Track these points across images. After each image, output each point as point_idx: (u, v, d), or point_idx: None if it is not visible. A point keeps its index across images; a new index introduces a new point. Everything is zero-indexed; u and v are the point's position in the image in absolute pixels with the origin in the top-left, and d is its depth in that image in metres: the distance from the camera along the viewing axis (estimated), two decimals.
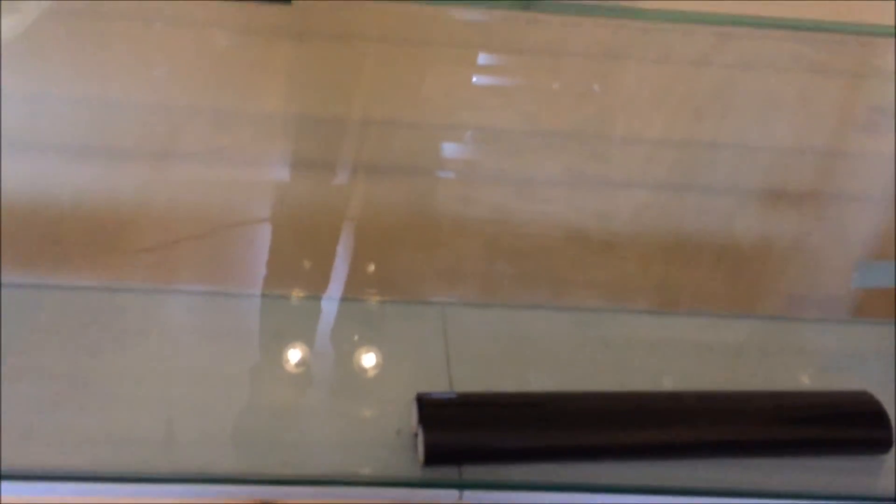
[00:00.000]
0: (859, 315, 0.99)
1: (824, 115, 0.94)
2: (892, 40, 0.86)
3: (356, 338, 0.81)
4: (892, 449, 0.69)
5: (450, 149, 0.96)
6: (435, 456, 0.63)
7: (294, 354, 0.79)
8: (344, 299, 0.90)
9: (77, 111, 0.88)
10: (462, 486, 0.63)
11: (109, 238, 0.93)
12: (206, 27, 0.86)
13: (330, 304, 0.88)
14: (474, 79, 0.93)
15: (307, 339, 0.82)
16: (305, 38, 0.87)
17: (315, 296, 0.92)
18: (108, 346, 0.77)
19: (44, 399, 0.70)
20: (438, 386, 0.72)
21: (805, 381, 0.78)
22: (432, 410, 0.64)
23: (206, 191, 0.93)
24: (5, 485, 0.63)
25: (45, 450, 0.65)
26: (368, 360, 0.78)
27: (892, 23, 0.76)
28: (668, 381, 0.80)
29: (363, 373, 0.77)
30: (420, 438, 0.63)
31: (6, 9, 0.84)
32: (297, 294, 0.91)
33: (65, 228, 0.91)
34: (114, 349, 0.77)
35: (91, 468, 0.64)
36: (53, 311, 0.82)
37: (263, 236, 0.95)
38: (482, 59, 0.91)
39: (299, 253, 0.96)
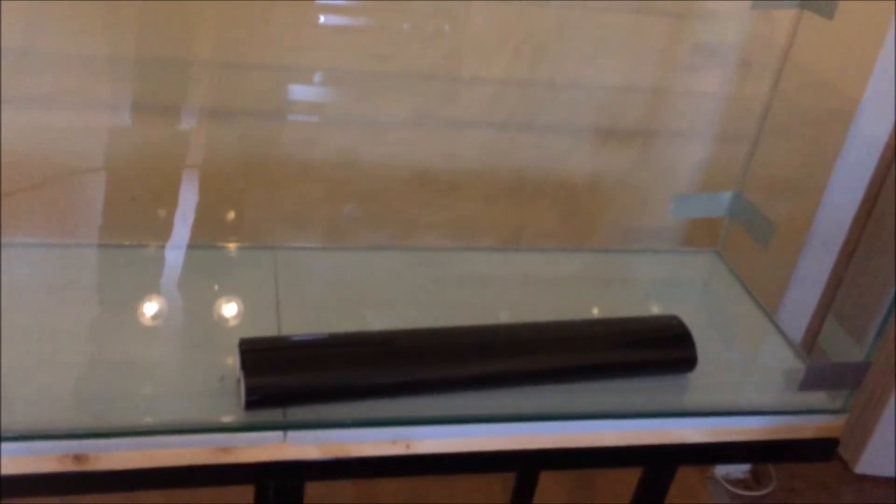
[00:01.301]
0: (686, 245, 1.05)
1: (650, 55, 0.97)
2: None
3: (192, 286, 0.81)
4: (696, 367, 0.75)
5: (295, 91, 0.95)
6: (256, 400, 0.64)
7: (129, 306, 0.78)
8: (186, 247, 0.89)
9: None
10: (286, 427, 0.64)
11: None
12: None
13: (171, 253, 0.87)
14: (321, 19, 0.91)
15: (143, 289, 0.81)
16: None
17: (158, 245, 0.90)
18: None
19: None
20: (267, 331, 0.73)
21: (630, 308, 0.83)
22: (253, 355, 0.65)
23: (41, 138, 0.89)
24: None
25: None
26: (200, 308, 0.78)
27: None
28: (506, 316, 0.83)
29: (194, 321, 0.77)
30: (241, 383, 0.64)
31: None
32: (136, 243, 0.89)
33: None
34: None
35: None
36: None
37: (102, 184, 0.92)
38: None
39: (142, 201, 0.93)
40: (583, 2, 0.94)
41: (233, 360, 0.68)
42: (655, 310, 0.87)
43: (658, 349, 0.76)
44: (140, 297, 0.79)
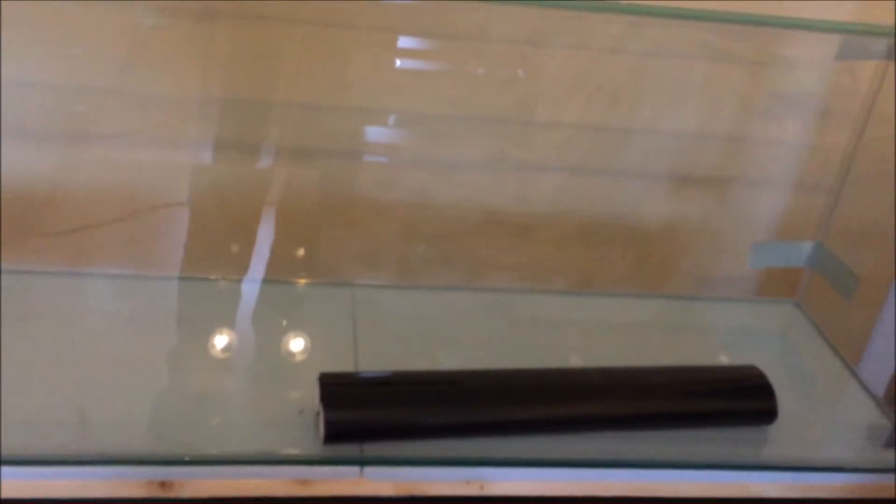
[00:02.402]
0: (761, 295, 1.04)
1: (728, 102, 0.98)
2: (793, 31, 0.90)
3: (271, 320, 0.83)
4: (776, 420, 0.74)
5: (371, 132, 0.98)
6: (335, 434, 0.65)
7: (209, 337, 0.81)
8: (263, 282, 0.92)
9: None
10: (363, 462, 0.65)
11: (26, 221, 0.93)
12: (126, 7, 0.86)
13: (248, 287, 0.90)
14: (398, 62, 0.94)
15: (223, 321, 0.84)
16: (228, 20, 0.88)
17: (234, 278, 0.94)
18: (24, 330, 0.78)
19: None
20: (345, 367, 0.75)
21: (705, 357, 0.82)
22: (333, 390, 0.66)
23: (126, 173, 0.93)
24: None
25: None
26: (280, 342, 0.80)
27: (799, 16, 0.79)
28: (577, 360, 0.84)
29: (274, 355, 0.79)
30: (321, 417, 0.66)
31: None
32: (215, 276, 0.93)
33: None
34: (29, 333, 0.78)
35: (3, 451, 0.65)
36: None
37: (183, 219, 0.96)
38: (406, 42, 0.93)
39: (220, 236, 0.97)
40: (658, 50, 0.95)
41: (311, 394, 0.70)
42: (731, 360, 0.86)
43: (737, 399, 0.75)
44: (218, 329, 0.82)
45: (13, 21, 0.84)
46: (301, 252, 0.98)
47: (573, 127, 0.99)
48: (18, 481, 0.64)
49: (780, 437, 0.75)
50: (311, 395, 0.70)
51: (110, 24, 0.86)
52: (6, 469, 0.65)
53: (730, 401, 0.75)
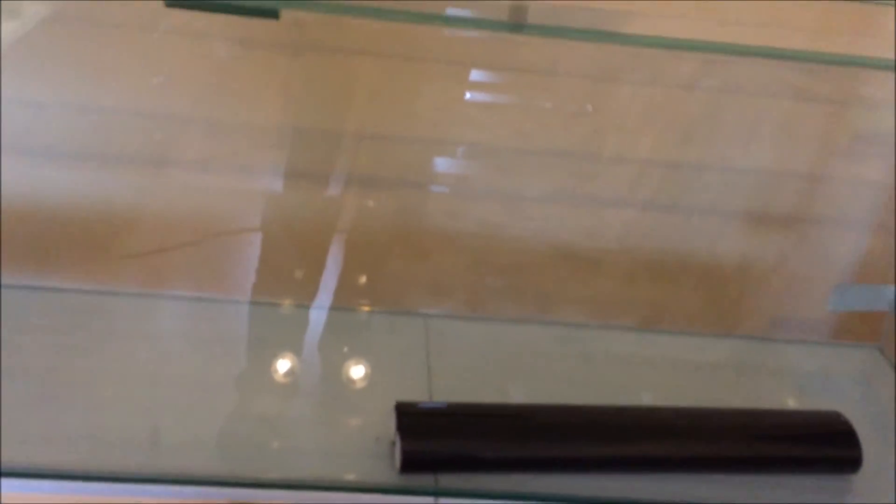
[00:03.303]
0: (839, 338, 1.02)
1: (807, 141, 0.97)
2: (876, 71, 0.89)
3: (341, 347, 0.84)
4: (861, 468, 0.71)
5: (441, 163, 0.99)
6: (411, 463, 0.65)
7: (280, 362, 0.82)
8: (332, 308, 0.93)
9: (75, 117, 0.91)
10: (437, 493, 0.65)
11: (103, 242, 0.96)
12: (204, 38, 0.89)
13: (318, 314, 0.91)
14: (467, 95, 0.96)
15: (294, 346, 0.85)
16: (302, 52, 0.90)
17: (303, 304, 0.95)
18: (98, 349, 0.80)
19: (33, 398, 0.72)
20: (419, 396, 0.75)
21: (781, 400, 0.81)
22: (409, 419, 0.66)
23: (200, 198, 0.96)
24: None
25: (31, 448, 0.67)
26: (352, 369, 0.80)
27: (879, 55, 0.78)
28: (648, 398, 0.83)
29: (347, 382, 0.79)
30: (397, 446, 0.66)
31: (6, 13, 0.87)
32: (285, 302, 0.94)
33: (60, 232, 0.94)
34: (103, 352, 0.80)
35: (76, 467, 0.66)
36: (47, 312, 0.84)
37: (254, 245, 0.98)
38: (475, 75, 0.94)
39: (290, 262, 0.98)
40: (734, 87, 0.95)
41: (386, 423, 0.70)
42: (810, 405, 0.84)
43: (819, 446, 0.73)
44: (289, 354, 0.83)
45: (96, 50, 0.87)
46: (369, 280, 0.99)
47: (644, 162, 0.99)
48: (91, 496, 0.65)
49: (864, 487, 0.73)
50: (385, 423, 0.70)
51: (189, 55, 0.89)
52: (78, 485, 0.66)
53: (812, 447, 0.73)
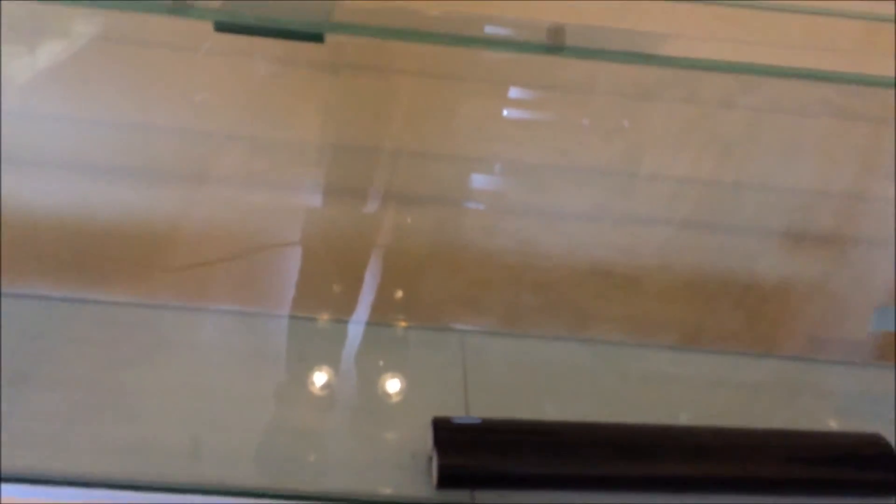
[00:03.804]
0: (880, 359, 1.00)
1: (848, 160, 0.96)
2: None
3: (378, 362, 0.85)
4: None
5: (478, 180, 1.00)
6: (448, 479, 0.66)
7: (318, 376, 0.83)
8: (369, 323, 0.94)
9: (120, 134, 0.93)
10: None
11: (147, 257, 0.97)
12: (246, 57, 0.90)
13: (355, 328, 0.92)
14: (504, 112, 0.96)
15: (331, 361, 0.86)
16: (341, 71, 0.92)
17: (341, 319, 0.96)
18: (141, 361, 0.82)
19: (77, 408, 0.74)
20: (455, 411, 0.75)
21: (820, 422, 0.80)
22: (447, 434, 0.67)
23: (241, 213, 0.97)
24: (38, 488, 0.67)
25: (75, 456, 0.69)
26: (389, 383, 0.81)
27: None
28: (686, 417, 0.82)
29: (383, 396, 0.80)
30: (434, 461, 0.66)
31: (57, 33, 0.90)
32: (323, 317, 0.95)
33: (107, 246, 0.96)
34: (146, 363, 0.82)
35: (118, 476, 0.68)
36: (91, 324, 0.86)
37: (293, 259, 0.99)
38: (512, 93, 0.95)
39: (328, 277, 0.99)
40: (773, 105, 0.94)
41: (422, 437, 0.70)
42: (850, 426, 0.83)
43: (859, 468, 0.72)
44: (326, 368, 0.84)
45: (141, 69, 0.90)
46: (406, 296, 1.00)
47: (682, 180, 0.98)
48: None
49: None
50: (422, 438, 0.71)
51: (231, 73, 0.91)
52: (120, 493, 0.67)
53: (852, 469, 0.72)
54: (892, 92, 0.91)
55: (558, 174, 0.99)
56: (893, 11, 0.82)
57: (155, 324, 0.89)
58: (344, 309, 0.98)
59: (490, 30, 0.79)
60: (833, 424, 0.83)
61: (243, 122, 0.94)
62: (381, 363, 0.85)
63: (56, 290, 0.94)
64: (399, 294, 1.00)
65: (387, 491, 0.67)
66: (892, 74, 0.74)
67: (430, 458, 0.68)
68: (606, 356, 0.90)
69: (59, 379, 0.78)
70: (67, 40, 0.91)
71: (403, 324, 0.95)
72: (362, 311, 0.97)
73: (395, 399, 0.80)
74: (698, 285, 1.01)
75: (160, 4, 0.65)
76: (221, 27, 0.59)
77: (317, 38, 0.59)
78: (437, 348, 0.87)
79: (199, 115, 0.93)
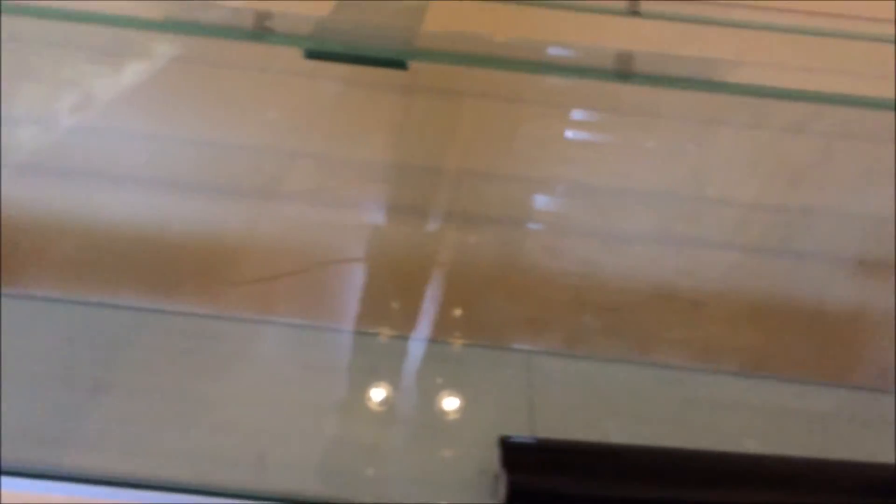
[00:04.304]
0: None
1: None
2: None
3: (441, 379, 0.85)
4: None
5: (541, 201, 1.00)
6: (516, 497, 0.65)
7: (381, 392, 0.84)
8: (431, 341, 0.94)
9: (193, 150, 0.96)
10: None
11: (217, 269, 1.00)
12: (317, 77, 0.92)
13: (417, 345, 0.92)
14: (568, 134, 0.96)
15: (394, 376, 0.86)
16: (409, 92, 0.93)
17: (404, 336, 0.96)
18: (211, 372, 0.83)
19: (145, 415, 0.76)
20: (520, 431, 0.75)
21: (891, 454, 0.77)
22: (515, 454, 0.67)
23: (308, 230, 0.99)
24: (108, 490, 0.69)
25: (141, 461, 0.71)
26: (452, 401, 0.81)
27: None
28: (751, 445, 0.81)
29: (447, 414, 0.80)
30: (502, 480, 0.66)
31: (139, 52, 0.93)
32: (386, 333, 0.96)
33: (178, 258, 0.99)
34: (215, 374, 0.83)
35: (184, 481, 0.69)
36: (164, 334, 0.88)
37: (357, 276, 1.00)
38: (576, 115, 0.95)
39: (391, 294, 1.00)
40: (846, 132, 0.93)
41: (487, 456, 0.70)
42: None
43: None
44: (389, 384, 0.84)
45: (215, 88, 0.92)
46: (469, 315, 1.00)
47: (748, 206, 0.97)
48: None
49: None
50: (486, 456, 0.71)
51: (301, 93, 0.93)
52: (187, 497, 0.69)
53: None
54: None
55: (622, 196, 0.98)
56: None
57: (224, 335, 0.91)
58: (406, 325, 0.98)
59: (556, 53, 0.80)
60: None
61: (312, 140, 0.96)
62: (444, 380, 0.85)
63: (133, 300, 0.97)
64: (461, 312, 1.00)
65: None
66: None
67: (496, 477, 0.68)
68: (671, 380, 0.89)
69: (131, 387, 0.80)
70: (149, 61, 0.94)
71: (465, 342, 0.95)
72: (424, 329, 0.98)
73: (458, 416, 0.80)
74: (765, 311, 0.99)
75: (250, 32, 0.67)
76: (311, 55, 0.61)
77: (401, 65, 0.60)
78: (500, 367, 0.87)
79: (270, 133, 0.95)
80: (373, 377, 0.86)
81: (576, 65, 0.76)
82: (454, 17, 0.81)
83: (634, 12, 0.80)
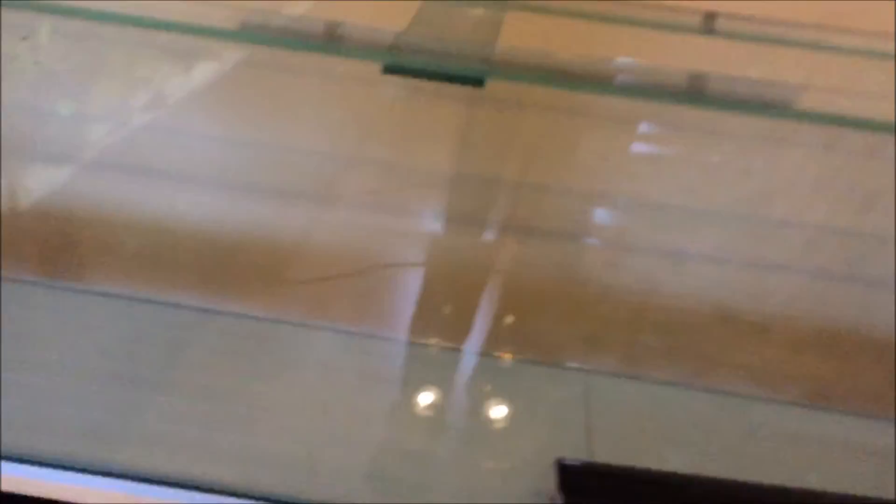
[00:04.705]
0: None
1: None
2: None
3: (495, 393, 0.84)
4: None
5: (602, 215, 0.98)
6: None
7: (433, 401, 0.82)
8: (485, 354, 0.93)
9: (254, 153, 0.96)
10: None
11: (274, 270, 1.00)
12: (379, 85, 0.92)
13: (471, 357, 0.91)
14: (631, 148, 0.94)
15: (447, 388, 0.85)
16: (473, 102, 0.92)
17: (456, 347, 0.95)
18: (263, 374, 0.84)
19: (199, 416, 0.76)
20: (576, 453, 0.73)
21: None
22: (572, 477, 0.65)
23: (365, 234, 0.98)
24: (159, 489, 0.69)
25: (193, 462, 0.71)
26: (506, 417, 0.80)
27: None
28: (814, 479, 0.77)
29: (500, 429, 0.79)
30: (557, 502, 0.64)
31: (209, 54, 0.94)
32: (440, 343, 0.95)
33: (235, 258, 0.99)
34: (267, 377, 0.83)
35: (234, 484, 0.69)
36: (219, 335, 0.89)
37: (413, 284, 0.99)
38: (640, 129, 0.93)
39: (446, 303, 0.99)
40: None
41: (543, 474, 0.69)
42: None
43: None
44: (445, 395, 0.83)
45: (279, 93, 0.93)
46: (526, 328, 0.99)
47: (815, 228, 0.94)
48: None
49: None
50: (541, 475, 0.69)
51: (363, 99, 0.93)
52: (240, 501, 0.68)
53: None
54: None
55: (683, 213, 0.96)
56: None
57: (280, 338, 0.91)
58: (460, 336, 0.97)
59: (628, 72, 0.77)
60: None
61: (373, 146, 0.96)
62: (498, 394, 0.84)
63: (193, 298, 0.98)
64: (517, 326, 0.98)
65: None
66: None
67: (551, 499, 0.66)
68: (731, 408, 0.86)
69: (190, 387, 0.81)
70: (218, 63, 0.95)
71: (520, 356, 0.94)
72: (478, 340, 0.96)
73: (511, 432, 0.78)
74: (832, 339, 0.95)
75: (328, 45, 0.67)
76: (390, 69, 0.60)
77: (478, 82, 0.59)
78: (555, 385, 0.85)
79: (331, 138, 0.95)
80: (425, 387, 0.85)
81: (647, 84, 0.74)
82: (529, 30, 0.80)
83: (710, 30, 0.78)
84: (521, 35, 0.77)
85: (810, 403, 0.91)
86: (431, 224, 1.00)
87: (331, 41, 0.66)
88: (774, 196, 0.94)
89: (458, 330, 0.98)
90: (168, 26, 0.67)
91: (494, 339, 0.97)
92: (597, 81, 0.69)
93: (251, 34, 0.66)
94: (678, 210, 0.95)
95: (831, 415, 0.88)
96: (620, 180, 0.95)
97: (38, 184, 0.99)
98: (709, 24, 0.78)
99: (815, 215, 0.93)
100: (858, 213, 0.92)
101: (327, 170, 0.97)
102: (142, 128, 0.96)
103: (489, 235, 0.99)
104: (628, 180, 0.95)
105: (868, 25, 0.82)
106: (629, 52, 0.79)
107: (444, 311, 1.00)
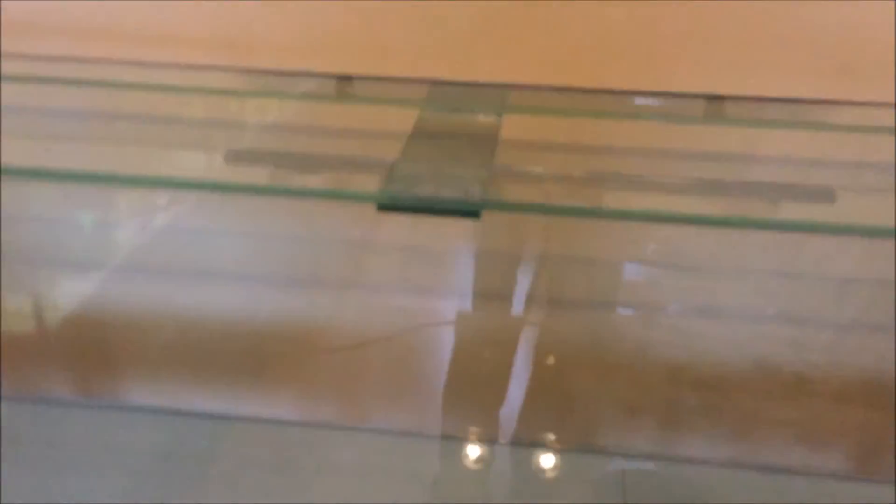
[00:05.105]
0: None
1: None
2: None
3: (532, 488, 0.82)
4: None
5: (631, 273, 0.95)
6: None
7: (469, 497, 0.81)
8: (517, 444, 0.91)
9: (283, 247, 0.95)
10: None
11: (310, 341, 0.98)
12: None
13: (504, 450, 0.90)
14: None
15: (483, 485, 0.83)
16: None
17: (491, 439, 0.94)
18: (296, 484, 0.83)
19: None
20: None
21: None
22: None
23: (391, 317, 0.97)
24: None
25: None
26: None
27: None
28: None
29: None
30: None
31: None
32: (474, 436, 0.93)
33: (263, 353, 0.98)
34: (300, 487, 0.82)
35: None
36: (251, 444, 0.88)
37: (440, 375, 0.98)
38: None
39: (478, 393, 0.99)
40: None
41: None
42: None
43: None
44: (478, 492, 0.81)
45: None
46: (560, 412, 0.97)
47: (845, 279, 0.90)
48: None
49: None
50: None
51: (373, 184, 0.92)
52: None
53: None
54: None
55: (716, 267, 0.93)
56: None
57: (310, 443, 0.90)
58: (492, 428, 0.96)
59: (634, 181, 0.76)
60: None
61: (395, 233, 0.95)
62: (535, 489, 0.82)
63: (223, 403, 0.97)
64: (550, 411, 0.96)
65: None
66: None
67: None
68: (778, 489, 0.82)
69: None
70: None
71: (555, 444, 0.92)
72: (510, 430, 0.95)
73: None
74: (876, 391, 0.92)
75: (323, 191, 0.68)
76: (383, 208, 0.60)
77: (473, 215, 0.59)
78: (593, 472, 0.83)
79: (357, 226, 0.95)
80: (462, 486, 0.84)
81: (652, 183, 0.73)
82: (528, 132, 0.79)
83: (715, 117, 0.76)
84: (519, 141, 0.76)
85: (858, 476, 0.88)
86: (461, 303, 0.98)
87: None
88: (808, 240, 0.91)
89: (490, 420, 0.96)
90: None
91: (527, 426, 0.95)
92: (592, 210, 0.68)
93: (247, 185, 0.67)
94: (711, 263, 0.93)
95: (882, 487, 0.84)
96: (647, 245, 0.93)
97: (65, 296, 1.00)
98: (715, 109, 0.76)
99: (843, 266, 0.90)
100: (886, 264, 0.88)
101: (352, 256, 0.97)
102: (164, 229, 0.97)
103: (517, 310, 0.98)
104: (655, 245, 0.93)
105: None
106: (637, 146, 0.78)
107: (475, 399, 0.98)
